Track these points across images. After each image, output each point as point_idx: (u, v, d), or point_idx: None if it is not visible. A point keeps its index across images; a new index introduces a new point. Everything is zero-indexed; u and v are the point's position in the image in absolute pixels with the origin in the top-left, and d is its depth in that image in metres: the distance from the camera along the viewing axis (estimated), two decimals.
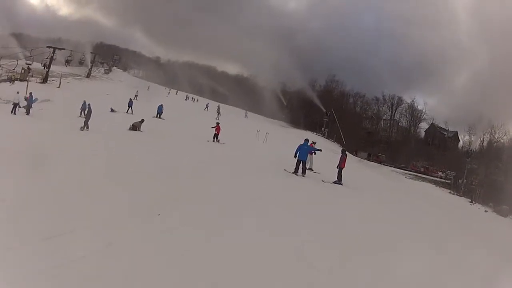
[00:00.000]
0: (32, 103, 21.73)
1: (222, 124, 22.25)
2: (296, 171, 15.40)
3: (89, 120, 18.99)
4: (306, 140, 16.03)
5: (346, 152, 17.05)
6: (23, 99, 21.56)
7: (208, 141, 21.02)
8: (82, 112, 21.45)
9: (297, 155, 15.45)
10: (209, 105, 31.75)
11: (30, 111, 21.26)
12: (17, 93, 21.40)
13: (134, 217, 7.94)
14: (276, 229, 8.27)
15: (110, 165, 12.56)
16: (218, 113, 29.03)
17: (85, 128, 18.76)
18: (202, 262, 6.36)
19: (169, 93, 31.95)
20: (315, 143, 18.12)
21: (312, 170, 16.89)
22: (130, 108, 25.30)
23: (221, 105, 31.34)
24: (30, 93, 21.86)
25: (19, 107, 21.21)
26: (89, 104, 19.35)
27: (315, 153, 17.10)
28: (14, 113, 20.98)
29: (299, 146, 15.58)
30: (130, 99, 25.86)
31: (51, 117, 20.35)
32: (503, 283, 7.69)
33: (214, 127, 21.84)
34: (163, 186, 10.72)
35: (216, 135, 21.56)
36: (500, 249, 11.35)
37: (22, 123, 18.89)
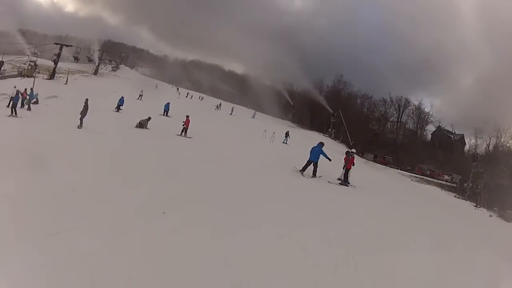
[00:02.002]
0: (33, 99, 21.65)
1: (231, 124, 21.83)
2: (303, 170, 15.34)
3: (85, 117, 17.98)
4: (320, 144, 16.00)
5: (352, 153, 16.96)
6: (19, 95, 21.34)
7: (177, 135, 20.44)
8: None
9: (309, 156, 15.49)
10: (221, 105, 31.62)
11: (32, 108, 21.16)
12: (14, 87, 21.21)
13: (139, 217, 7.97)
14: (282, 231, 8.31)
15: (116, 163, 12.65)
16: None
17: (80, 125, 17.85)
18: (206, 262, 6.42)
19: (179, 93, 31.66)
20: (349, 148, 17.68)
21: (341, 180, 16.05)
22: (119, 106, 24.00)
23: (224, 103, 31.43)
24: (26, 89, 21.51)
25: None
26: (87, 99, 18.39)
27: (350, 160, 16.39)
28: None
29: (312, 148, 15.66)
30: (122, 97, 24.43)
31: (57, 113, 20.34)
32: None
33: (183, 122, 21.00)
34: (172, 185, 10.75)
35: (185, 129, 20.83)
36: (505, 254, 11.25)
37: (23, 120, 18.79)
